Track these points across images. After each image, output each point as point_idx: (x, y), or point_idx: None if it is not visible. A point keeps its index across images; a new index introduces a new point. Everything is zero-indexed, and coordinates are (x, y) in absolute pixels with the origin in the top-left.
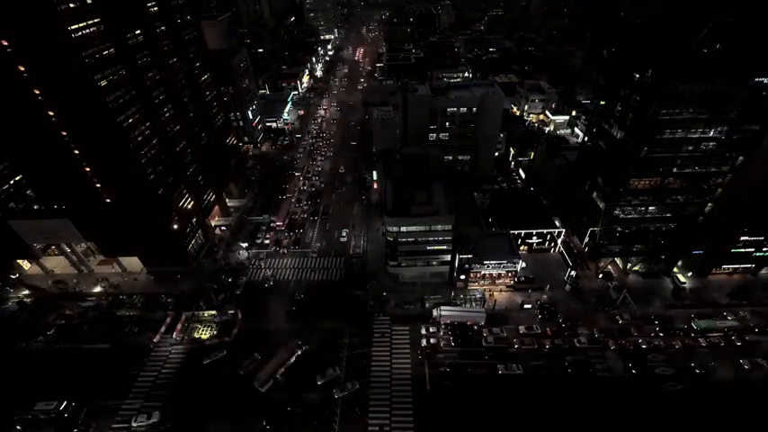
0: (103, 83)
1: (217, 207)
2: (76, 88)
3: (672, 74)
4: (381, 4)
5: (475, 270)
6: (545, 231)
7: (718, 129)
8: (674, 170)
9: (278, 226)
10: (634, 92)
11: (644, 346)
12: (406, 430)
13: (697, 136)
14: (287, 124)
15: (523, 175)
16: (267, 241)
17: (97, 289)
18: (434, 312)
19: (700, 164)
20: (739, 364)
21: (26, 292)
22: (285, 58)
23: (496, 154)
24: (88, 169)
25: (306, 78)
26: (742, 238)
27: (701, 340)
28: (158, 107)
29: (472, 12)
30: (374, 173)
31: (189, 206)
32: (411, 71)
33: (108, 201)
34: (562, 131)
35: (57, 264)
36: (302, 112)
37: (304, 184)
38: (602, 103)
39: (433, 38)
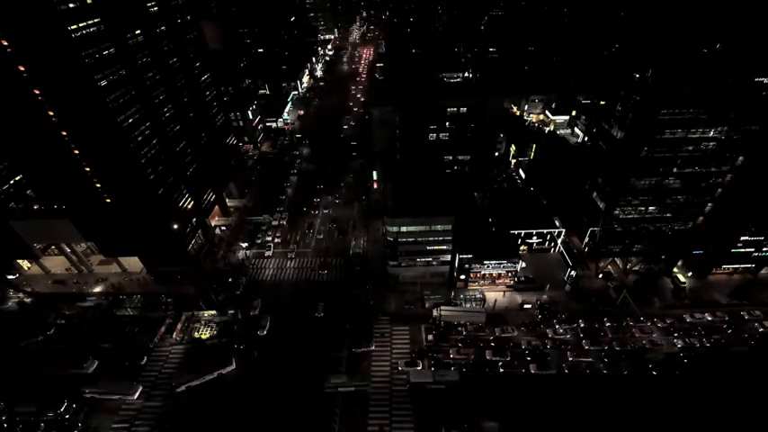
0: (103, 83)
1: (217, 207)
2: (76, 88)
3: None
4: (382, 3)
5: (475, 270)
6: (545, 231)
7: (719, 129)
8: (674, 170)
9: None
10: (634, 92)
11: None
12: (406, 430)
13: (697, 136)
14: (287, 124)
15: (523, 175)
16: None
17: (97, 289)
18: (434, 312)
19: (700, 164)
20: None
21: (28, 290)
22: (285, 57)
23: (496, 154)
24: (88, 169)
25: (306, 78)
26: (742, 238)
27: None
28: (158, 107)
29: (472, 12)
30: (374, 173)
31: (189, 206)
32: (411, 71)
33: (108, 201)
34: (562, 131)
35: (57, 264)
36: (302, 112)
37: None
38: (603, 103)
39: (433, 38)
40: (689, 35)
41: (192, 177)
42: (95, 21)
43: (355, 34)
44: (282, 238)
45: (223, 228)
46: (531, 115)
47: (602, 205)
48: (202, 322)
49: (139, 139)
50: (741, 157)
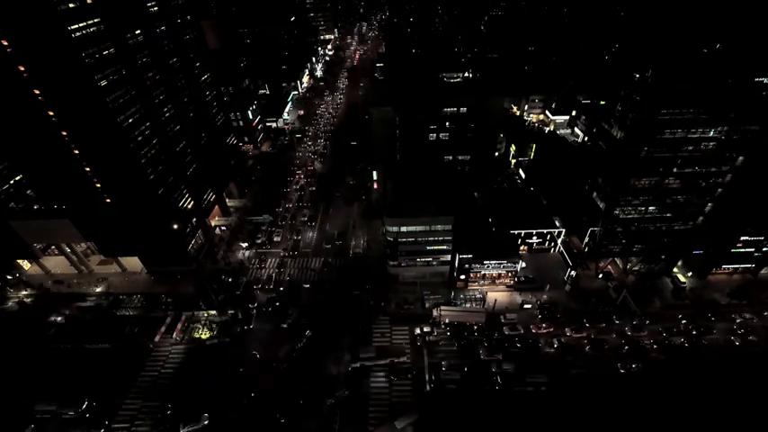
0: (103, 83)
1: (217, 207)
2: (76, 88)
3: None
4: (382, 3)
5: (475, 270)
6: (545, 231)
7: (719, 129)
8: (674, 170)
9: None
10: (634, 92)
11: None
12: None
13: (697, 136)
14: (287, 124)
15: (523, 175)
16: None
17: (97, 289)
18: (434, 312)
19: (700, 164)
20: None
21: (26, 292)
22: (285, 57)
23: (496, 154)
24: (88, 169)
25: (306, 78)
26: (742, 238)
27: None
28: (158, 107)
29: (472, 12)
30: (374, 173)
31: (189, 206)
32: (411, 71)
33: (108, 201)
34: (562, 131)
35: (57, 264)
36: (302, 112)
37: (302, 190)
38: (603, 103)
39: (433, 38)
40: (689, 35)
41: (191, 177)
42: (95, 21)
43: (355, 34)
44: (283, 237)
45: (223, 228)
46: (531, 115)
47: (602, 205)
48: (202, 322)
49: (139, 139)
50: (741, 157)
